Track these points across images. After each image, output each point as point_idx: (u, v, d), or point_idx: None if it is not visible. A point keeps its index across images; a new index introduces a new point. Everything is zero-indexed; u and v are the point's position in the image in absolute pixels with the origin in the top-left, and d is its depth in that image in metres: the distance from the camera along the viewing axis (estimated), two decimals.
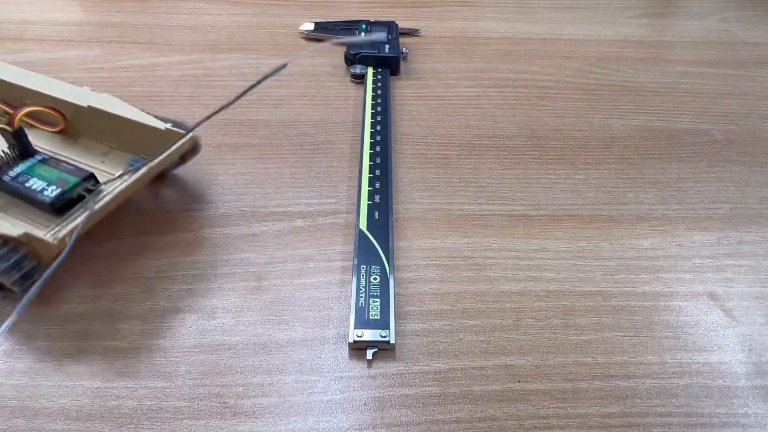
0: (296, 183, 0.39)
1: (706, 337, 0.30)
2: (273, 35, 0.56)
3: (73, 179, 0.31)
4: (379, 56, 0.50)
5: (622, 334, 0.30)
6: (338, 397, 0.27)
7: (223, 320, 0.30)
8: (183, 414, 0.26)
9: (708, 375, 0.28)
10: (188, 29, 0.56)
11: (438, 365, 0.28)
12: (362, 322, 0.29)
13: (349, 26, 0.56)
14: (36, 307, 0.30)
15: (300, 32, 0.56)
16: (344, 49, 0.52)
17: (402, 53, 0.52)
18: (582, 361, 0.29)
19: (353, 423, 0.26)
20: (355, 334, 0.28)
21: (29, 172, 0.32)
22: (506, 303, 0.31)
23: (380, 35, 0.54)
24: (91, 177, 0.32)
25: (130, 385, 0.27)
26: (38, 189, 0.31)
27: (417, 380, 0.28)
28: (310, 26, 0.56)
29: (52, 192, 0.31)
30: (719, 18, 0.64)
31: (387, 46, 0.52)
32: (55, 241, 0.27)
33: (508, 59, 0.54)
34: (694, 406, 0.27)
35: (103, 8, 0.59)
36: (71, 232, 0.28)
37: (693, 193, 0.39)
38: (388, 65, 0.50)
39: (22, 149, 0.32)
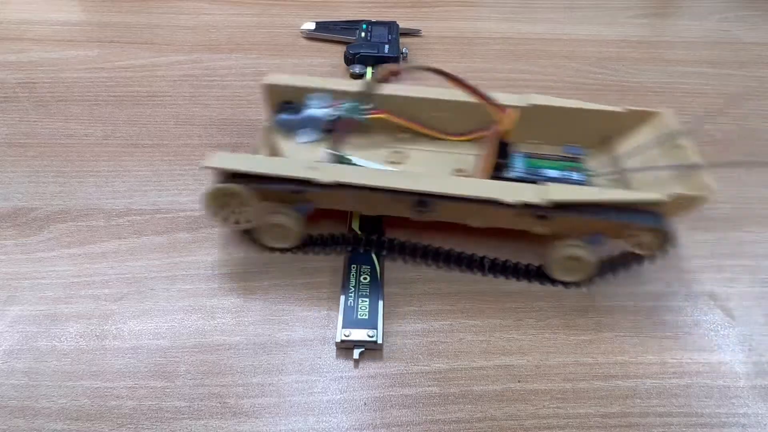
0: None
1: (706, 337, 0.30)
2: (273, 35, 0.56)
3: (575, 164, 0.34)
4: (378, 56, 0.50)
5: (622, 334, 0.30)
6: (338, 397, 0.27)
7: (223, 320, 0.30)
8: (183, 414, 0.26)
9: (708, 375, 0.28)
10: (188, 29, 0.56)
11: (438, 365, 0.28)
12: (350, 321, 0.29)
13: (350, 26, 0.56)
14: None
15: (301, 32, 0.56)
16: (343, 47, 0.52)
17: (402, 53, 0.52)
18: (582, 361, 0.29)
19: (353, 423, 0.26)
20: (342, 334, 0.28)
21: (533, 165, 0.34)
22: (506, 303, 0.31)
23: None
24: (577, 159, 0.35)
25: (130, 385, 0.27)
26: (558, 177, 0.33)
27: (417, 380, 0.28)
28: (312, 26, 0.56)
29: (577, 177, 0.33)
30: (719, 18, 0.64)
31: (387, 46, 0.52)
32: (704, 193, 0.29)
33: (508, 59, 0.54)
34: (694, 406, 0.27)
35: (103, 8, 0.59)
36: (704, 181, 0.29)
37: None
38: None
39: (507, 151, 0.33)
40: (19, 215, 0.35)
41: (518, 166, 0.34)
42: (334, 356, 0.28)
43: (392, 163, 0.35)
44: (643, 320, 0.31)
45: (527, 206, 0.28)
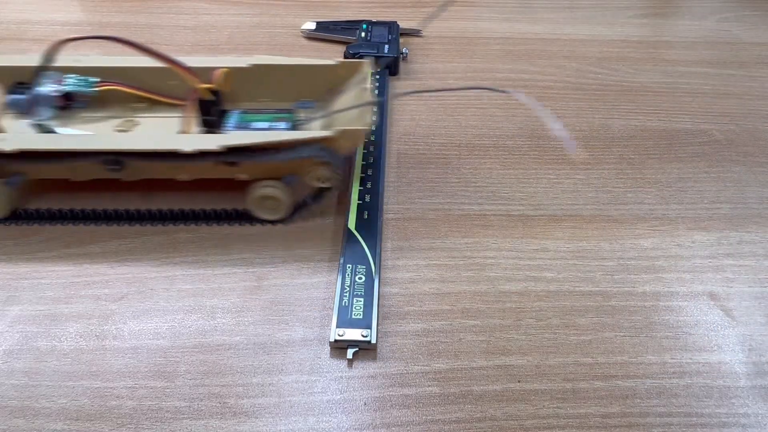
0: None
1: (706, 337, 0.30)
2: (273, 35, 0.56)
3: (286, 115, 0.37)
4: (378, 56, 0.50)
5: (622, 334, 0.30)
6: (338, 397, 0.27)
7: (223, 320, 0.30)
8: (183, 414, 0.26)
9: (708, 375, 0.28)
10: (188, 29, 0.56)
11: (438, 365, 0.28)
12: (344, 321, 0.29)
13: (351, 26, 0.56)
14: None
15: (301, 32, 0.56)
16: (343, 47, 0.52)
17: (402, 53, 0.52)
18: (582, 361, 0.29)
19: (353, 423, 0.26)
20: (336, 333, 0.28)
21: (245, 120, 0.36)
22: (506, 303, 0.31)
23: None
24: (291, 111, 0.37)
25: (130, 385, 0.27)
26: (266, 128, 0.36)
27: (417, 380, 0.28)
28: (312, 26, 0.56)
29: (284, 126, 0.36)
30: (719, 18, 0.64)
31: (386, 46, 0.52)
32: (366, 126, 0.33)
33: (508, 59, 0.54)
34: (694, 406, 0.27)
35: (103, 8, 0.59)
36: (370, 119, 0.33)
37: (693, 193, 0.39)
38: (388, 65, 0.50)
39: (219, 105, 0.35)
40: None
41: (231, 122, 0.36)
42: (335, 356, 0.28)
43: (121, 131, 0.37)
44: (643, 320, 0.31)
45: (206, 154, 0.31)
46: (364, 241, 0.33)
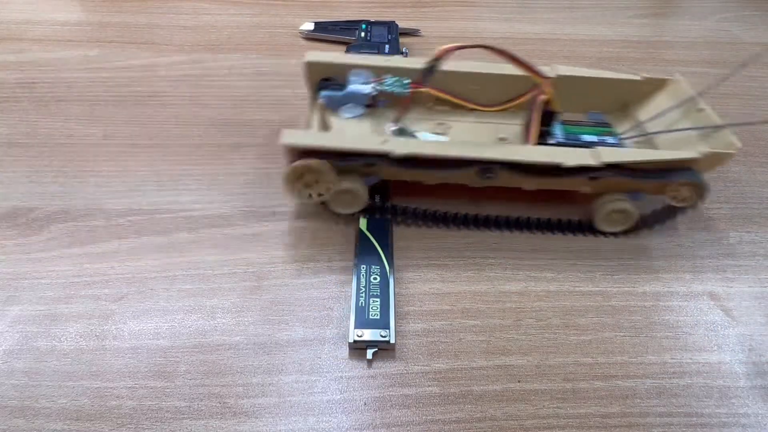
0: None
1: (706, 337, 0.30)
2: (273, 35, 0.56)
3: (605, 129, 0.37)
4: (379, 56, 0.50)
5: (622, 334, 0.30)
6: (338, 397, 0.27)
7: (223, 320, 0.30)
8: (183, 414, 0.26)
9: (708, 375, 0.28)
10: (188, 29, 0.56)
11: (438, 365, 0.28)
12: (362, 321, 0.29)
13: (350, 26, 0.56)
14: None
15: (300, 32, 0.56)
16: (343, 49, 0.52)
17: (402, 53, 0.52)
18: (582, 361, 0.29)
19: (353, 423, 0.26)
20: (355, 334, 0.28)
21: (571, 132, 0.36)
22: (506, 303, 0.31)
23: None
24: (607, 125, 0.38)
25: (130, 385, 0.27)
26: (596, 141, 0.36)
27: (417, 380, 0.28)
28: (310, 26, 0.56)
29: (610, 140, 0.36)
30: (719, 18, 0.64)
31: (387, 46, 0.52)
32: (734, 150, 0.33)
33: None
34: (694, 406, 0.27)
35: (103, 8, 0.59)
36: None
37: None
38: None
39: (550, 119, 0.35)
40: (19, 215, 0.35)
41: (558, 133, 0.36)
42: (335, 356, 0.28)
43: (438, 134, 0.37)
44: (643, 320, 0.31)
45: (583, 168, 0.32)
46: (377, 241, 0.33)
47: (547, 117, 0.35)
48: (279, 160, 0.40)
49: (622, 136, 0.37)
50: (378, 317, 0.29)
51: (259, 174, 0.39)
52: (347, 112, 0.37)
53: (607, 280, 0.33)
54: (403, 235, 0.35)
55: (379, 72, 0.37)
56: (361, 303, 0.30)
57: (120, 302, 0.31)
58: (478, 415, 0.26)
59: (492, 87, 0.38)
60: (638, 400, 0.27)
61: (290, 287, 0.32)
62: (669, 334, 0.30)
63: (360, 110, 0.37)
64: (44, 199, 0.36)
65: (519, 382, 0.28)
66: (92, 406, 0.26)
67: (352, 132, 0.36)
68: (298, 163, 0.31)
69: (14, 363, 0.28)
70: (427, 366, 0.28)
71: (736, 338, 0.30)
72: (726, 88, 0.51)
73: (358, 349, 0.29)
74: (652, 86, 0.38)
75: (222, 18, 0.59)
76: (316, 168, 0.32)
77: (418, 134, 0.36)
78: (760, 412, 0.27)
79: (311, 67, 0.38)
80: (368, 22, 0.56)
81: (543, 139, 0.35)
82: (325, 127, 0.36)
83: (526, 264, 0.34)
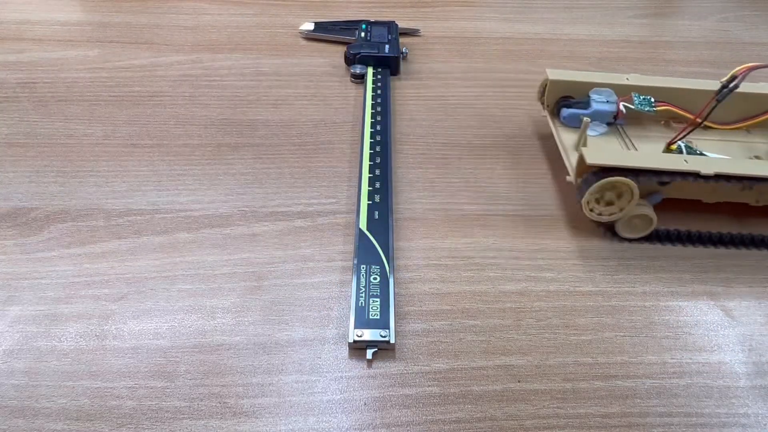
0: (296, 183, 0.39)
1: (706, 337, 0.30)
2: (273, 35, 0.56)
3: None
4: (378, 56, 0.50)
5: (622, 334, 0.30)
6: (338, 397, 0.27)
7: (223, 320, 0.30)
8: (183, 414, 0.26)
9: (708, 375, 0.28)
10: (188, 29, 0.56)
11: (438, 365, 0.28)
12: (362, 321, 0.29)
13: (349, 26, 0.56)
14: None
15: (300, 32, 0.56)
16: (344, 48, 0.52)
17: (402, 53, 0.52)
18: (582, 361, 0.29)
19: (353, 423, 0.26)
20: (355, 334, 0.28)
21: None
22: (506, 303, 0.31)
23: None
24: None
25: (130, 385, 0.27)
26: None
27: (417, 380, 0.28)
28: (310, 26, 0.56)
29: None
30: (719, 18, 0.64)
31: (387, 46, 0.52)
32: None
33: (508, 59, 0.54)
34: (694, 406, 0.27)
35: (103, 8, 0.59)
36: None
37: None
38: (388, 65, 0.50)
39: None
40: (19, 215, 0.35)
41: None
42: (335, 356, 0.28)
43: (714, 153, 0.37)
44: (643, 320, 0.31)
45: None
46: (377, 240, 0.33)
47: None
48: (279, 160, 0.40)
49: None
50: (378, 317, 0.29)
51: (259, 174, 0.39)
52: (592, 130, 0.39)
53: (607, 280, 0.33)
54: (403, 235, 0.35)
55: (619, 90, 0.39)
56: (361, 303, 0.30)
57: (120, 302, 0.31)
58: (478, 415, 0.26)
59: (728, 104, 0.37)
60: (638, 400, 0.27)
61: (290, 287, 0.32)
62: (669, 334, 0.30)
63: (603, 128, 0.39)
64: (44, 199, 0.36)
65: (519, 382, 0.28)
66: (92, 406, 0.26)
67: (641, 152, 0.37)
68: (609, 179, 0.32)
69: (14, 363, 0.28)
70: (427, 366, 0.28)
71: (736, 338, 0.30)
72: None
73: (358, 349, 0.29)
74: None
75: (222, 18, 0.59)
76: (624, 185, 0.32)
77: (707, 153, 0.36)
78: (760, 412, 0.27)
79: (554, 85, 0.40)
80: (368, 22, 0.56)
81: None
82: (584, 145, 0.36)
83: (526, 264, 0.34)
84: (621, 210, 0.33)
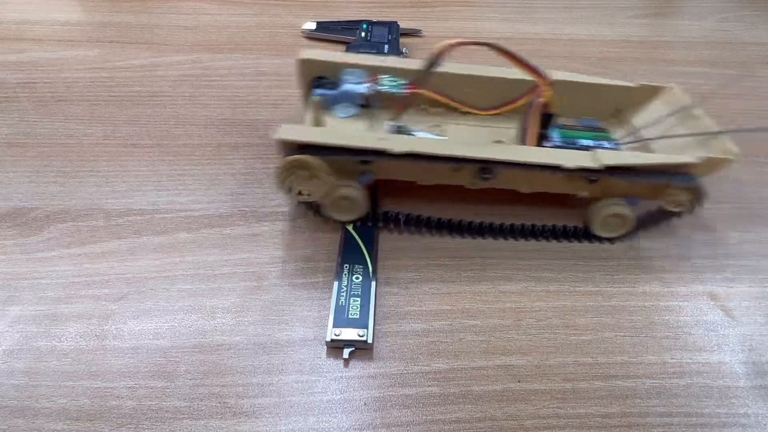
0: None
1: (706, 337, 0.30)
2: (273, 35, 0.56)
3: (602, 134, 0.37)
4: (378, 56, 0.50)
5: (622, 334, 0.30)
6: (338, 397, 0.27)
7: (223, 320, 0.30)
8: (183, 414, 0.26)
9: (708, 375, 0.28)
10: (188, 29, 0.56)
11: (438, 365, 0.28)
12: (341, 320, 0.29)
13: (351, 26, 0.56)
14: None
15: (302, 32, 0.56)
16: (343, 48, 0.52)
17: (402, 53, 0.52)
18: (582, 361, 0.29)
19: (353, 423, 0.26)
20: (333, 333, 0.28)
21: (568, 135, 0.36)
22: (506, 303, 0.31)
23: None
24: (604, 129, 0.38)
25: (130, 385, 0.27)
26: (593, 146, 0.35)
27: (417, 380, 0.28)
28: (312, 26, 0.56)
29: (607, 145, 0.36)
30: (719, 18, 0.64)
31: (386, 46, 0.52)
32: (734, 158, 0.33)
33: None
34: (694, 406, 0.27)
35: (103, 8, 0.59)
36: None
37: None
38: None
39: (549, 122, 0.35)
40: (19, 215, 0.35)
41: (555, 136, 0.36)
42: (335, 356, 0.28)
43: (436, 134, 0.37)
44: (643, 320, 0.31)
45: (583, 170, 0.31)
46: (362, 241, 0.33)
47: (546, 120, 0.34)
48: (279, 160, 0.40)
49: (618, 141, 0.37)
50: (357, 317, 0.29)
51: (259, 174, 0.39)
52: (341, 112, 0.37)
53: (607, 280, 0.33)
54: (403, 235, 0.35)
55: (374, 72, 0.37)
56: (342, 302, 0.30)
57: (120, 302, 0.30)
58: (478, 415, 0.26)
59: (487, 90, 0.37)
60: (638, 400, 0.27)
61: (290, 287, 0.32)
62: (669, 334, 0.30)
63: (354, 110, 0.37)
64: (44, 199, 0.36)
65: (519, 382, 0.28)
66: (92, 406, 0.26)
67: (347, 129, 0.36)
68: (293, 157, 0.31)
69: (14, 363, 0.28)
70: (427, 366, 0.28)
71: (736, 338, 0.30)
72: (726, 88, 0.51)
73: (335, 348, 0.29)
74: (647, 93, 0.39)
75: (222, 18, 0.59)
76: (310, 164, 0.31)
77: (416, 133, 0.36)
78: (760, 412, 0.27)
79: (305, 64, 0.37)
80: (370, 22, 0.56)
81: (540, 142, 0.35)
82: (318, 125, 0.36)
83: (526, 264, 0.34)
84: (319, 190, 0.32)
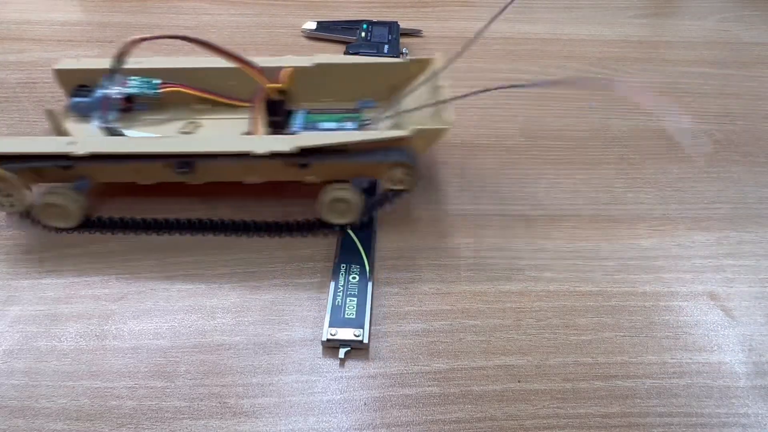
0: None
1: (706, 337, 0.30)
2: (273, 35, 0.56)
3: (353, 115, 0.36)
4: (378, 56, 0.50)
5: (622, 334, 0.30)
6: (338, 397, 0.27)
7: (223, 320, 0.30)
8: (183, 414, 0.26)
9: (708, 375, 0.28)
10: (188, 29, 0.56)
11: (438, 365, 0.28)
12: (337, 320, 0.29)
13: (351, 26, 0.56)
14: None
15: (302, 31, 0.56)
16: (343, 48, 0.52)
17: (402, 53, 0.52)
18: (582, 361, 0.29)
19: (353, 423, 0.26)
20: (329, 333, 0.28)
21: (311, 120, 0.36)
22: (506, 303, 0.31)
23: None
24: (358, 110, 0.36)
25: (130, 385, 0.27)
26: (335, 128, 0.35)
27: (417, 380, 0.28)
28: (313, 25, 0.56)
29: (351, 126, 0.35)
30: (719, 18, 0.64)
31: (386, 46, 0.52)
32: (447, 125, 0.32)
33: (508, 59, 0.54)
34: (694, 406, 0.27)
35: (103, 8, 0.59)
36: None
37: (693, 193, 0.39)
38: None
39: (282, 108, 0.35)
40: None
41: (297, 123, 0.36)
42: (335, 356, 0.28)
43: (185, 133, 0.36)
44: (643, 320, 0.31)
45: (278, 155, 0.30)
46: (360, 241, 0.33)
47: (275, 107, 0.34)
48: None
49: (368, 121, 0.36)
50: (353, 317, 0.29)
51: None
52: (99, 119, 0.35)
53: (607, 280, 0.33)
54: (403, 235, 0.35)
55: (129, 74, 0.36)
56: (338, 302, 0.30)
57: (120, 302, 0.31)
58: (478, 415, 0.26)
59: (246, 81, 0.35)
60: (638, 400, 0.27)
61: (290, 287, 0.32)
62: (669, 334, 0.30)
63: (112, 116, 0.35)
64: None
65: (519, 382, 0.28)
66: (92, 406, 0.26)
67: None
68: None
69: (14, 363, 0.28)
70: (427, 366, 0.28)
71: (736, 338, 0.30)
72: (726, 88, 0.51)
73: (331, 348, 0.29)
74: (417, 68, 0.38)
75: (222, 18, 0.59)
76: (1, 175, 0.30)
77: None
78: (760, 412, 0.27)
79: (62, 75, 0.37)
80: (370, 22, 0.56)
81: (280, 130, 0.34)
82: (61, 134, 0.35)
83: (526, 264, 0.34)
84: (22, 200, 0.32)
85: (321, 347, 0.29)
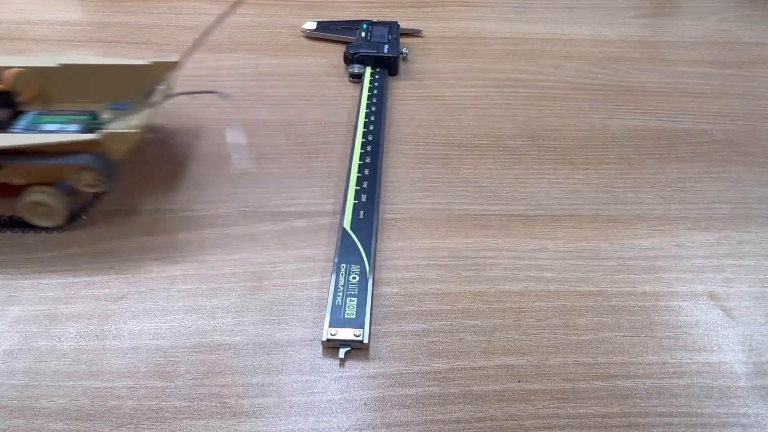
0: (296, 183, 0.39)
1: (706, 337, 0.30)
2: (273, 35, 0.56)
3: (85, 117, 0.34)
4: (377, 56, 0.50)
5: (622, 334, 0.30)
6: (338, 397, 0.27)
7: (223, 320, 0.30)
8: (183, 414, 0.26)
9: (708, 375, 0.28)
10: (188, 29, 0.56)
11: (438, 365, 0.28)
12: (337, 320, 0.29)
13: (352, 26, 0.56)
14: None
15: (302, 31, 0.56)
16: (343, 48, 0.52)
17: (402, 53, 0.52)
18: (582, 361, 0.29)
19: (353, 423, 0.26)
20: (329, 333, 0.28)
21: (36, 122, 0.34)
22: (506, 303, 0.31)
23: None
24: (93, 113, 0.35)
25: (130, 385, 0.27)
26: (55, 130, 0.33)
27: (417, 380, 0.28)
28: (313, 25, 0.56)
29: (74, 129, 0.33)
30: (719, 18, 0.64)
31: (386, 46, 0.52)
32: (135, 129, 0.31)
33: (508, 59, 0.54)
34: (694, 406, 0.27)
35: (103, 8, 0.59)
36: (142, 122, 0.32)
37: (693, 193, 0.39)
38: (387, 65, 0.50)
39: (11, 106, 0.34)
40: None
41: (21, 124, 0.34)
42: (335, 356, 0.28)
43: None
44: (643, 320, 0.31)
45: None
46: (359, 240, 0.33)
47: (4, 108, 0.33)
48: (279, 160, 0.40)
49: (99, 123, 0.34)
50: (354, 317, 0.29)
51: (260, 174, 0.39)
52: None
53: (607, 280, 0.33)
54: (403, 235, 0.35)
55: None
56: (338, 302, 0.30)
57: (120, 302, 0.31)
58: (478, 415, 0.26)
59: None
60: (638, 400, 0.27)
61: (290, 287, 0.32)
62: (669, 334, 0.30)
63: None
64: None
65: (519, 382, 0.28)
66: (92, 406, 0.26)
67: None
68: None
69: (14, 363, 0.28)
70: (427, 366, 0.28)
71: (736, 338, 0.30)
72: (726, 88, 0.51)
73: (331, 347, 0.29)
74: (163, 70, 0.37)
75: None
76: None
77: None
78: (760, 412, 0.27)
79: None
80: (370, 22, 0.56)
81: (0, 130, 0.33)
82: None
83: (526, 264, 0.34)
84: None
85: (321, 347, 0.29)
